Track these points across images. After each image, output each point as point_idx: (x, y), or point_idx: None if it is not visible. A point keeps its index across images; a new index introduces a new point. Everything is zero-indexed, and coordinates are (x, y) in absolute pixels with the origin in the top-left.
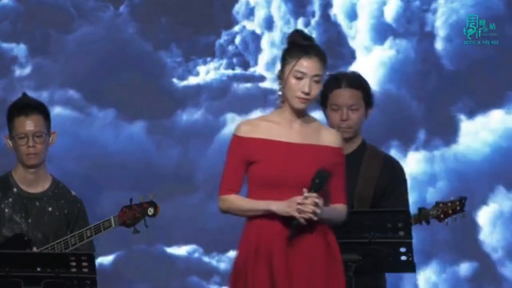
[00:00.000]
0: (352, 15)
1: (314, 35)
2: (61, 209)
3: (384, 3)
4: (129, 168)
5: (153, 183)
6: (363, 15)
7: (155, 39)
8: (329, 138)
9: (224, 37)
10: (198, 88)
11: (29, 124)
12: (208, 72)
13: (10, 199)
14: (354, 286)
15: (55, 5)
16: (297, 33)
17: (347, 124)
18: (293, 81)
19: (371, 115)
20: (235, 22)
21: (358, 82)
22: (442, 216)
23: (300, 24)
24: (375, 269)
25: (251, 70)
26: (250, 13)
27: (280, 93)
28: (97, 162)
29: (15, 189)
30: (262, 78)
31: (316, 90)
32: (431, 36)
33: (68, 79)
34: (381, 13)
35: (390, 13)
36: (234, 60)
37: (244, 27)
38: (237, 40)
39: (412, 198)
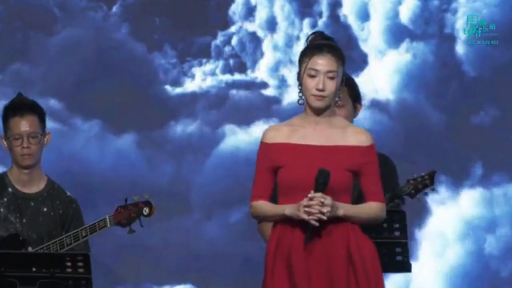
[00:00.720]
0: (364, 16)
1: None
2: (56, 209)
3: (399, 3)
4: (116, 187)
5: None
6: (376, 15)
7: (148, 39)
8: (356, 137)
9: (220, 38)
10: (194, 96)
11: (24, 124)
12: (204, 78)
13: (5, 199)
14: None
15: (36, 5)
16: (317, 35)
17: None
18: (308, 79)
19: (387, 126)
20: (231, 22)
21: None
22: (413, 192)
23: (306, 26)
24: None
25: (252, 75)
26: (249, 13)
27: (301, 94)
28: (80, 180)
29: (10, 189)
30: (264, 85)
31: (331, 86)
32: (451, 38)
33: (49, 87)
34: (396, 14)
35: (406, 14)
36: (231, 61)
37: (242, 28)
38: (234, 41)
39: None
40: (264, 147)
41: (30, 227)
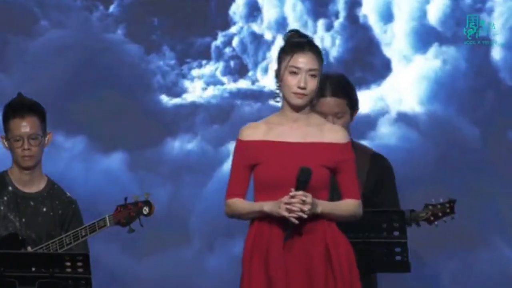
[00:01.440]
0: (387, 16)
1: (337, 41)
2: (56, 209)
3: (427, 1)
4: (104, 213)
5: (135, 233)
6: (401, 16)
7: (145, 41)
8: (333, 135)
9: (220, 39)
10: (194, 107)
11: (24, 126)
12: (206, 87)
13: (5, 198)
14: None
15: (15, 4)
16: (294, 33)
17: None
18: (289, 77)
19: (416, 143)
20: (232, 23)
21: (342, 90)
22: (432, 218)
23: (320, 28)
24: (369, 269)
25: (260, 84)
26: (254, 13)
27: (278, 92)
28: None
29: (10, 188)
30: (273, 95)
31: (312, 84)
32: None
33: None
34: (423, 14)
35: (434, 14)
36: (232, 63)
37: (244, 28)
38: (235, 42)
39: None
40: (241, 144)
41: (29, 227)
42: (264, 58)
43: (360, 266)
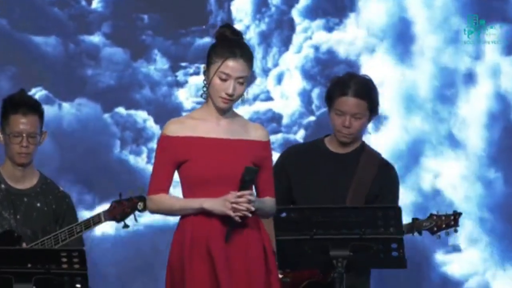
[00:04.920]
0: None
1: None
2: (50, 204)
3: None
4: None
5: None
6: None
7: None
8: (256, 133)
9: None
10: None
11: (25, 124)
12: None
13: None
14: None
15: None
16: (226, 28)
17: (348, 131)
18: (217, 81)
19: None
20: (236, 20)
21: (365, 92)
22: (435, 229)
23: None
24: (365, 265)
25: (272, 96)
26: (264, 9)
27: (204, 89)
28: None
29: (3, 185)
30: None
31: (240, 90)
32: None
33: None
34: None
35: None
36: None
37: (249, 28)
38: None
39: None
40: (166, 139)
41: (25, 223)
42: (276, 64)
43: (356, 262)
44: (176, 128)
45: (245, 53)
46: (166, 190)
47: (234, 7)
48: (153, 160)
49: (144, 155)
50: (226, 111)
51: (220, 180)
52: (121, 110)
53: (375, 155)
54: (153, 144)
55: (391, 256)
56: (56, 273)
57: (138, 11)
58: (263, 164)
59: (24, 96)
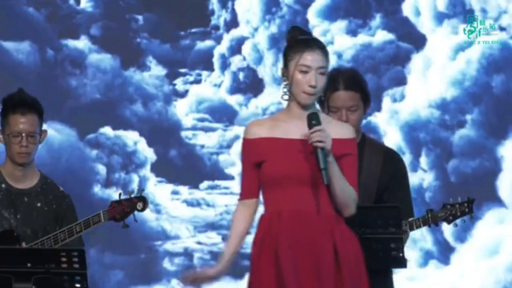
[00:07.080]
0: None
1: None
2: (50, 204)
3: None
4: None
5: None
6: None
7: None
8: (338, 130)
9: (225, 44)
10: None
11: (24, 123)
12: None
13: None
14: None
15: None
16: (296, 29)
17: None
18: (299, 76)
19: None
20: (242, 22)
21: (355, 83)
22: (451, 218)
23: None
24: (365, 265)
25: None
26: (275, 9)
27: (285, 90)
28: None
29: (3, 185)
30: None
31: (322, 82)
32: None
33: None
34: None
35: None
36: (241, 76)
37: (257, 30)
38: (248, 49)
39: None
40: (247, 142)
41: (25, 223)
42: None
43: None
44: (255, 131)
45: (321, 45)
46: (253, 193)
47: (239, 7)
48: None
49: (135, 185)
50: (309, 108)
51: (295, 180)
52: (107, 130)
53: (378, 145)
54: (146, 172)
55: (390, 256)
56: (56, 273)
57: (133, 11)
58: (344, 161)
59: (22, 96)
